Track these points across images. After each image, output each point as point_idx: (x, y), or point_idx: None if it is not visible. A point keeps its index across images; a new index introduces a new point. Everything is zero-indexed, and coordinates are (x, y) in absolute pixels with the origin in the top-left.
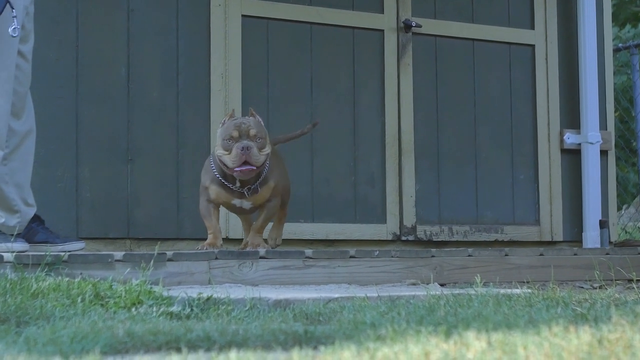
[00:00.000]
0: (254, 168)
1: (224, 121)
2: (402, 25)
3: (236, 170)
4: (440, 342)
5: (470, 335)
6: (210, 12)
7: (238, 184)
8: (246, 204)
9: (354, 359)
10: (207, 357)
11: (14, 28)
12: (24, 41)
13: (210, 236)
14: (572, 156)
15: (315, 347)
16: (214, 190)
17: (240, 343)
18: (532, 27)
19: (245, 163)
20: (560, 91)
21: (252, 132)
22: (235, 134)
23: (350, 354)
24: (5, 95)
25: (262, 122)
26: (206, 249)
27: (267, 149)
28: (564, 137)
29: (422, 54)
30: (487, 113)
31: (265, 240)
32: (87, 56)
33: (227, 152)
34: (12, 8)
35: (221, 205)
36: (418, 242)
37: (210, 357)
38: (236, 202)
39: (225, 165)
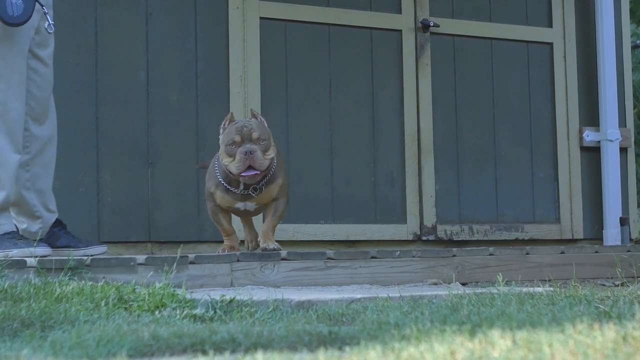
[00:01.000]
0: (259, 172)
1: (224, 125)
2: (419, 25)
3: (241, 176)
4: (465, 341)
5: (495, 333)
6: (229, 14)
7: (242, 187)
8: (250, 206)
9: (380, 359)
10: (233, 358)
11: (49, 24)
12: (43, 46)
13: (225, 240)
14: (592, 154)
15: (340, 348)
16: (219, 196)
17: (265, 344)
18: (550, 25)
19: (250, 168)
20: (579, 89)
21: (255, 134)
22: (238, 138)
23: (376, 354)
24: (19, 99)
25: (264, 123)
26: (226, 252)
27: (272, 151)
28: (583, 135)
29: (440, 53)
30: (506, 112)
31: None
32: (107, 60)
33: (231, 159)
34: (42, 5)
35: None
36: (438, 241)
37: (236, 358)
38: (240, 205)
39: (230, 172)
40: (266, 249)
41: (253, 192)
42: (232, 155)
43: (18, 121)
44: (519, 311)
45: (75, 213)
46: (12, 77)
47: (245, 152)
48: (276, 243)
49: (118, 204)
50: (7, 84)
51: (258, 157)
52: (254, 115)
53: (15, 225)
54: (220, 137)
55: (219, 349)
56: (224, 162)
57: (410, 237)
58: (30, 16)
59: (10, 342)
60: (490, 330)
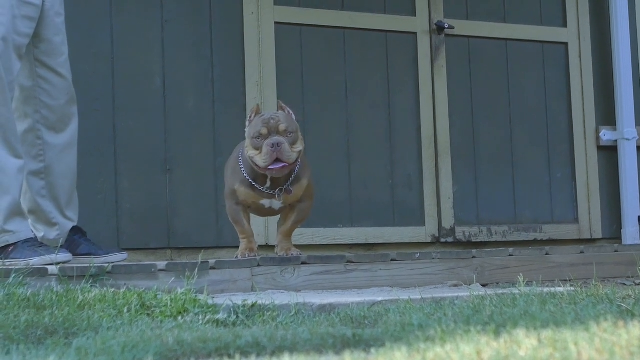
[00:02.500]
0: (287, 165)
1: (250, 117)
2: (434, 27)
3: (268, 169)
4: (490, 341)
5: (520, 333)
6: (244, 20)
7: (268, 184)
8: (276, 204)
9: None
10: None
11: None
12: (52, 55)
13: (244, 241)
14: (609, 153)
15: (364, 350)
16: (243, 192)
17: (290, 348)
18: (565, 25)
19: (277, 161)
20: (594, 88)
21: (282, 127)
22: (264, 130)
23: (402, 355)
24: (4, 105)
25: (292, 115)
26: (247, 255)
27: (300, 145)
28: (600, 134)
29: (455, 55)
30: (523, 112)
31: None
32: (123, 68)
33: (257, 152)
34: None
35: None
36: (457, 243)
37: None
38: (265, 202)
39: (257, 165)
40: (283, 248)
41: (278, 193)
42: (258, 148)
43: (8, 127)
44: (542, 311)
45: (94, 220)
46: None
47: (272, 145)
48: (295, 249)
49: (137, 211)
50: None
51: (285, 150)
52: (281, 108)
53: (34, 234)
54: (246, 129)
55: (244, 353)
56: (249, 155)
57: (429, 240)
58: None
59: (35, 349)
60: (515, 330)
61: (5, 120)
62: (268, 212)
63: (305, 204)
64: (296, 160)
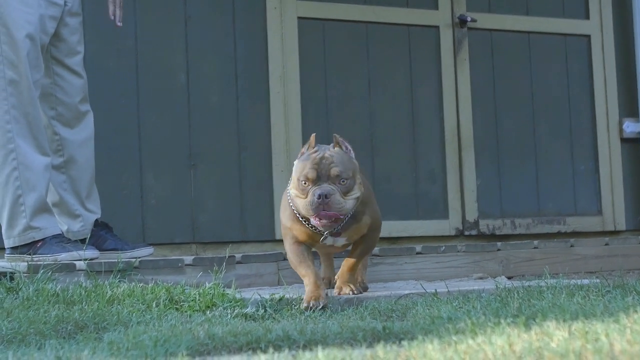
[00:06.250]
0: (337, 217)
1: (303, 151)
2: (457, 20)
3: (314, 222)
4: (521, 333)
5: (550, 325)
6: (267, 15)
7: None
8: (340, 241)
9: (438, 353)
10: (292, 355)
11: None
12: (69, 54)
13: (309, 286)
14: (632, 145)
15: (395, 343)
16: (298, 230)
17: (321, 341)
18: (587, 18)
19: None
20: (617, 80)
21: (335, 171)
22: (312, 174)
23: (433, 348)
24: (32, 103)
25: (352, 153)
26: (312, 305)
27: (357, 191)
28: (623, 126)
29: (478, 48)
30: (545, 105)
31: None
32: (147, 64)
33: (302, 196)
34: None
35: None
36: (481, 236)
37: (295, 355)
38: (328, 240)
39: (298, 211)
40: (341, 287)
41: (335, 234)
42: (304, 193)
43: (36, 124)
44: (570, 303)
45: (119, 216)
46: (22, 82)
47: (319, 196)
48: (354, 286)
49: (162, 206)
50: (19, 90)
51: (335, 202)
52: (337, 144)
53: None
54: (295, 162)
55: (275, 346)
56: (293, 195)
57: (453, 233)
58: None
59: (67, 344)
60: (545, 322)
61: (33, 118)
62: (331, 249)
63: (372, 235)
64: (351, 209)
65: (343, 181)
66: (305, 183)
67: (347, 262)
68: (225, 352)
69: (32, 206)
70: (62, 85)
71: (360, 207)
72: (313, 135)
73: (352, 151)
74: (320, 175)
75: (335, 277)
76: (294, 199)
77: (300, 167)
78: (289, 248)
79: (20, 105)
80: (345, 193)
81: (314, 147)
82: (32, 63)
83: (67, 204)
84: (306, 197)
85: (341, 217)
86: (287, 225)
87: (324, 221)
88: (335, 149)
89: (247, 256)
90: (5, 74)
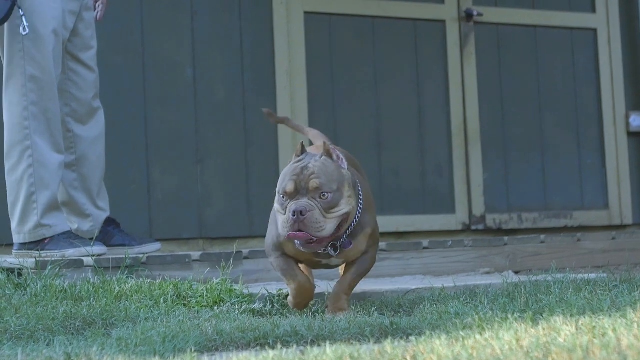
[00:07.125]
0: (314, 241)
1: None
2: (463, 14)
3: (291, 240)
4: (528, 328)
5: (558, 320)
6: (273, 10)
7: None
8: (335, 261)
9: (446, 348)
10: (300, 351)
11: (23, 26)
12: (83, 49)
13: (291, 289)
14: (639, 138)
15: (402, 338)
16: (288, 247)
17: (329, 337)
18: (594, 11)
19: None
20: (624, 74)
21: (314, 183)
22: (290, 187)
23: (441, 343)
24: (52, 100)
25: (342, 163)
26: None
27: (343, 207)
28: (630, 120)
29: (484, 42)
30: (552, 99)
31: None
32: (153, 59)
33: (282, 211)
34: (19, 7)
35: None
36: (488, 231)
37: (303, 351)
38: (322, 259)
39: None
40: (335, 308)
41: (333, 251)
42: (283, 208)
43: (55, 121)
44: (577, 298)
45: (126, 211)
46: (44, 79)
47: (294, 212)
48: (348, 307)
49: (169, 201)
50: (41, 86)
51: (312, 220)
52: (327, 152)
53: (69, 227)
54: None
55: (283, 342)
56: (276, 211)
57: (460, 227)
58: (7, 16)
59: (75, 340)
60: (552, 317)
61: (52, 114)
62: (324, 267)
63: (368, 255)
64: (335, 232)
65: (324, 195)
66: (283, 197)
67: (340, 285)
68: (233, 348)
69: (45, 204)
70: (76, 80)
71: (362, 217)
72: (302, 142)
73: (344, 161)
74: (298, 188)
75: (329, 297)
76: (276, 214)
77: (280, 179)
78: (276, 260)
79: (40, 101)
80: (328, 209)
81: (299, 156)
82: (56, 59)
83: (77, 204)
84: (285, 212)
85: (314, 239)
86: (277, 241)
87: (297, 242)
88: (322, 158)
89: (254, 252)
90: (25, 70)
